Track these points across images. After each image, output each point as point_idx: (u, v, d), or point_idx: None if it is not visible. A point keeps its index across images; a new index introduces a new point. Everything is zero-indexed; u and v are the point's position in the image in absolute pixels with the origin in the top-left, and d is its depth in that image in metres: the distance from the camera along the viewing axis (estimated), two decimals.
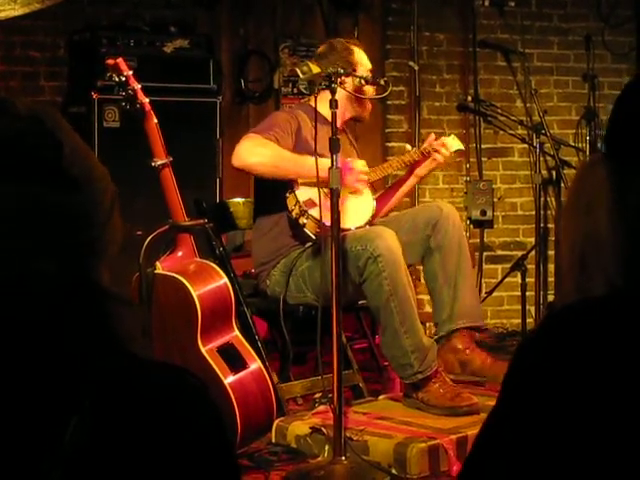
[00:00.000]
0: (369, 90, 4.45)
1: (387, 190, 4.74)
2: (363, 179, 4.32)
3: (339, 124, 3.81)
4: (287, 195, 4.22)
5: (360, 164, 4.35)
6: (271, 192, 4.26)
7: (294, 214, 4.20)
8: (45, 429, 1.05)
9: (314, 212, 4.15)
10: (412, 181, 4.67)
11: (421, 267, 4.49)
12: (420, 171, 4.60)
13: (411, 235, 4.32)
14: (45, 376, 1.07)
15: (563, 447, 1.12)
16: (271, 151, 4.16)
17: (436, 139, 4.58)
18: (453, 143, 4.68)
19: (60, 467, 1.03)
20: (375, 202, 4.43)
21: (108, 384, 1.08)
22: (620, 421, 1.10)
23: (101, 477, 1.05)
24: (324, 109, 4.00)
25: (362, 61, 4.46)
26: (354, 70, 4.32)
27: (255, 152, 4.14)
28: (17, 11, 4.93)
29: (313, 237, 4.19)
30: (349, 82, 4.28)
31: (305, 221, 4.17)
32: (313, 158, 3.92)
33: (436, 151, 4.50)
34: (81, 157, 1.13)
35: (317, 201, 4.09)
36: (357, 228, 4.22)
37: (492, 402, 1.23)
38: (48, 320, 1.08)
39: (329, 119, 3.84)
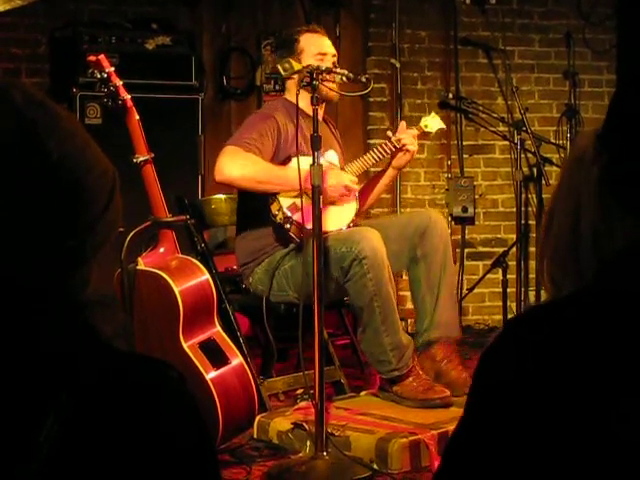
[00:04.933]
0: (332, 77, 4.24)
1: (367, 184, 4.71)
2: (348, 195, 4.32)
3: (320, 116, 3.79)
4: (270, 200, 4.21)
5: (347, 178, 4.35)
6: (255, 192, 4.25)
7: (278, 219, 4.19)
8: (21, 426, 1.05)
9: (298, 217, 4.14)
10: (390, 173, 4.63)
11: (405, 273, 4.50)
12: (396, 162, 4.56)
13: (399, 242, 4.31)
14: (22, 372, 1.07)
15: (530, 453, 1.14)
16: (254, 166, 4.13)
17: (407, 127, 4.57)
18: (434, 123, 4.67)
19: (36, 464, 1.03)
20: (358, 202, 4.42)
21: (85, 379, 1.08)
22: (586, 422, 1.12)
23: (78, 473, 1.05)
24: (303, 103, 3.98)
25: (308, 47, 4.37)
26: (300, 58, 4.24)
27: (238, 167, 4.12)
28: None
29: (297, 240, 4.19)
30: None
31: (289, 226, 4.17)
32: (295, 170, 3.90)
33: (404, 145, 4.48)
34: (74, 161, 1.11)
35: (300, 205, 4.07)
36: (340, 230, 4.23)
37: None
38: (28, 317, 1.08)
39: (307, 113, 3.82)
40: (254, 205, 4.32)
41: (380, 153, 4.51)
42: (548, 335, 1.16)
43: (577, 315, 1.17)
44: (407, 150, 4.48)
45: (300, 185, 3.84)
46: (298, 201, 4.09)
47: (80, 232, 1.11)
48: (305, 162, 3.82)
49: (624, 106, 1.23)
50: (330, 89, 4.24)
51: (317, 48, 4.38)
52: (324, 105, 4.40)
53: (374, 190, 4.67)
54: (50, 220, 1.08)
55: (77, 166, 1.12)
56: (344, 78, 4.24)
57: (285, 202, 4.19)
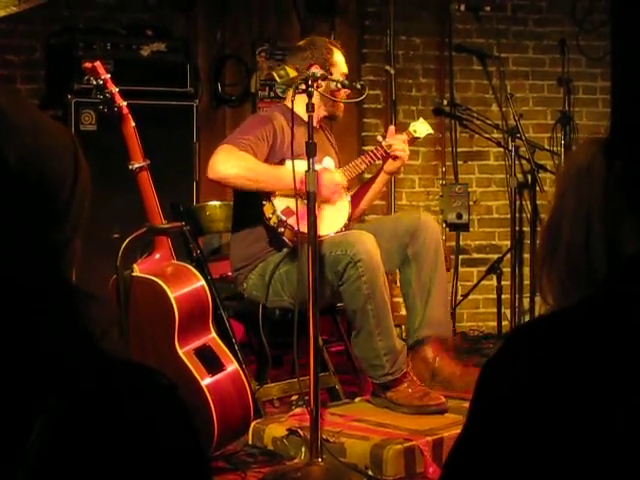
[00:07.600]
0: (343, 93, 4.44)
1: (360, 189, 4.72)
2: (340, 192, 4.34)
3: (315, 122, 3.81)
4: (264, 203, 4.21)
5: (338, 176, 4.37)
6: (249, 196, 4.24)
7: (271, 222, 4.19)
8: (10, 429, 1.04)
9: (292, 221, 4.15)
10: (382, 178, 4.64)
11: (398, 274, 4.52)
12: (387, 168, 4.58)
13: (391, 243, 4.33)
14: (11, 374, 1.06)
15: (533, 462, 1.14)
16: (247, 164, 4.13)
17: (396, 132, 4.60)
18: (422, 128, 4.68)
19: (24, 467, 1.03)
20: (350, 206, 4.43)
21: (77, 384, 1.08)
22: (590, 432, 1.11)
23: (67, 478, 1.04)
24: (300, 109, 4.00)
25: (339, 64, 4.44)
26: (330, 70, 4.32)
27: (231, 165, 4.11)
28: None
29: (291, 244, 4.20)
30: (324, 83, 4.22)
31: (283, 230, 4.18)
32: (289, 170, 3.91)
33: (395, 151, 4.49)
34: (33, 156, 1.11)
35: (294, 209, 4.09)
36: (334, 233, 4.23)
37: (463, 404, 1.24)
38: (15, 316, 1.08)
39: (305, 119, 3.85)
40: (249, 209, 4.33)
41: (371, 158, 4.53)
42: (553, 345, 1.16)
43: (584, 324, 1.17)
44: (398, 156, 4.50)
45: (295, 187, 3.84)
46: (292, 205, 4.10)
47: (58, 219, 1.11)
48: (300, 165, 3.84)
49: (632, 113, 1.24)
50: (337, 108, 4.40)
51: (344, 69, 4.47)
52: (322, 118, 4.48)
53: (367, 195, 4.68)
54: (29, 218, 1.08)
55: (38, 158, 1.11)
56: (339, 85, 4.28)
57: (279, 205, 4.19)
